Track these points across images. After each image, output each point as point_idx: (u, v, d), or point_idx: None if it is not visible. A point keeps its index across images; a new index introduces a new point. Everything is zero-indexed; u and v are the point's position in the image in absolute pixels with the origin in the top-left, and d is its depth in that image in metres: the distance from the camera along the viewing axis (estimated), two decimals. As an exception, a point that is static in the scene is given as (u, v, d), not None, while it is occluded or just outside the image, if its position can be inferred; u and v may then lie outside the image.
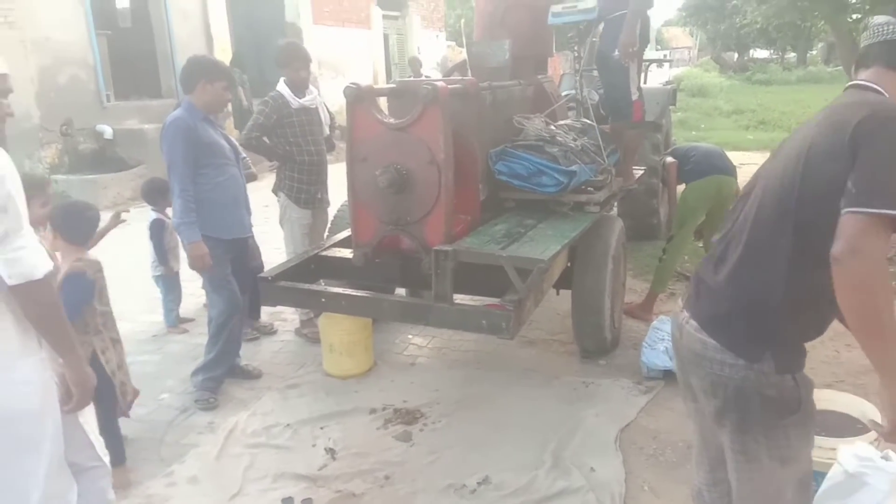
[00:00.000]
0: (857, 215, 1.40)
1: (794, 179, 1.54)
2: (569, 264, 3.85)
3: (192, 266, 3.46)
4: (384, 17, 16.00)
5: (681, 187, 4.85)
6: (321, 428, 3.33)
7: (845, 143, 1.46)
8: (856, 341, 3.81)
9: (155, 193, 4.32)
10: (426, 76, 6.17)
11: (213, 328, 3.60)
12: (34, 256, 1.71)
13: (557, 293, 4.10)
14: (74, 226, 2.70)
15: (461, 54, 4.98)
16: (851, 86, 1.68)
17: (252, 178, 4.51)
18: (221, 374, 3.67)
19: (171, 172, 3.36)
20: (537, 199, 3.83)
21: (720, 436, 1.77)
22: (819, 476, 2.09)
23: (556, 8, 4.16)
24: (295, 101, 4.18)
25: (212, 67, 3.47)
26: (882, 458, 1.89)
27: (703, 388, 1.74)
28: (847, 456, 1.94)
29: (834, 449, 2.11)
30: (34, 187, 2.82)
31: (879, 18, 1.66)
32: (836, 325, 4.61)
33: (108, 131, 9.17)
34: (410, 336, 4.43)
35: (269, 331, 4.51)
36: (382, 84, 13.99)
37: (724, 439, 1.75)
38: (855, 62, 1.71)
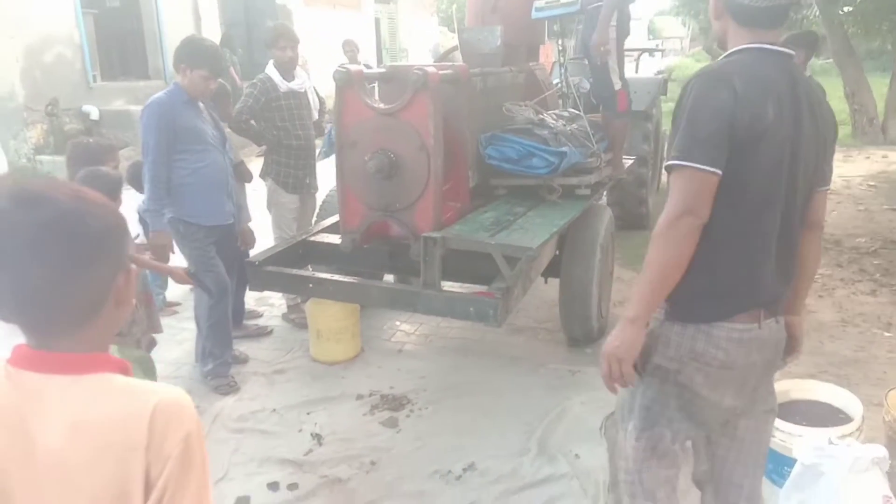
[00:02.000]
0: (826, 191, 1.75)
1: (815, 172, 1.67)
2: (557, 252, 3.85)
3: (154, 254, 3.42)
4: (375, 0, 15.86)
5: None
6: (307, 413, 3.33)
7: (834, 135, 1.70)
8: (838, 333, 3.86)
9: (140, 178, 4.27)
10: (363, 63, 6.19)
11: (205, 312, 3.54)
12: None
13: (546, 281, 4.11)
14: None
15: (453, 40, 4.94)
16: (782, 53, 1.62)
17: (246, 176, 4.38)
18: (229, 355, 3.65)
19: (145, 156, 3.30)
20: (527, 187, 3.83)
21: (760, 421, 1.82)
22: (785, 460, 2.14)
23: (539, 2, 4.16)
24: (283, 85, 4.14)
25: (195, 54, 3.34)
26: (831, 444, 1.92)
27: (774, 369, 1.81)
28: (802, 449, 1.97)
29: (801, 436, 2.13)
30: (105, 152, 3.32)
31: None
32: (819, 316, 4.65)
33: (94, 112, 9.05)
34: (398, 322, 4.43)
35: (256, 315, 4.49)
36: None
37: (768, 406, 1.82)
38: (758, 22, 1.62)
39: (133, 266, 1.04)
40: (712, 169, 1.52)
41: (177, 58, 3.36)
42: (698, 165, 1.52)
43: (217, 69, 3.41)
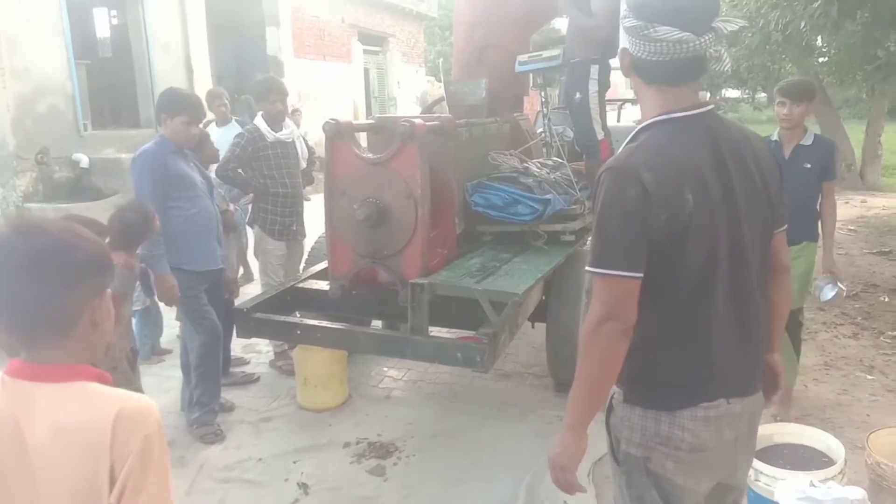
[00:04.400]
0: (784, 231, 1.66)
1: (766, 222, 1.59)
2: (544, 297, 3.89)
3: (161, 298, 3.45)
4: (365, 51, 16.21)
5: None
6: (294, 462, 3.30)
7: (778, 174, 1.62)
8: (822, 376, 3.88)
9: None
10: (235, 120, 5.71)
11: (196, 360, 3.53)
12: None
13: (533, 326, 4.13)
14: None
15: (440, 89, 5.08)
16: (712, 112, 1.56)
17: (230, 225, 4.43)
18: (216, 404, 3.63)
19: None
20: (513, 233, 3.89)
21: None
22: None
23: (522, 57, 4.32)
24: (270, 135, 4.22)
25: (173, 102, 3.42)
26: (812, 486, 1.93)
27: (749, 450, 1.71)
28: (784, 492, 1.99)
29: (785, 479, 2.15)
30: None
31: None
32: (802, 360, 4.65)
33: (84, 160, 9.11)
34: (386, 368, 4.42)
35: (243, 362, 4.48)
36: (362, 118, 14.14)
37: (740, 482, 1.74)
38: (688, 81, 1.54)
39: (108, 291, 1.19)
40: (630, 274, 1.44)
41: (157, 110, 3.45)
42: (616, 272, 1.45)
43: (197, 114, 3.46)
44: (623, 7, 1.53)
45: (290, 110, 10.63)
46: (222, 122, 5.54)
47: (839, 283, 3.66)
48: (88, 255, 1.15)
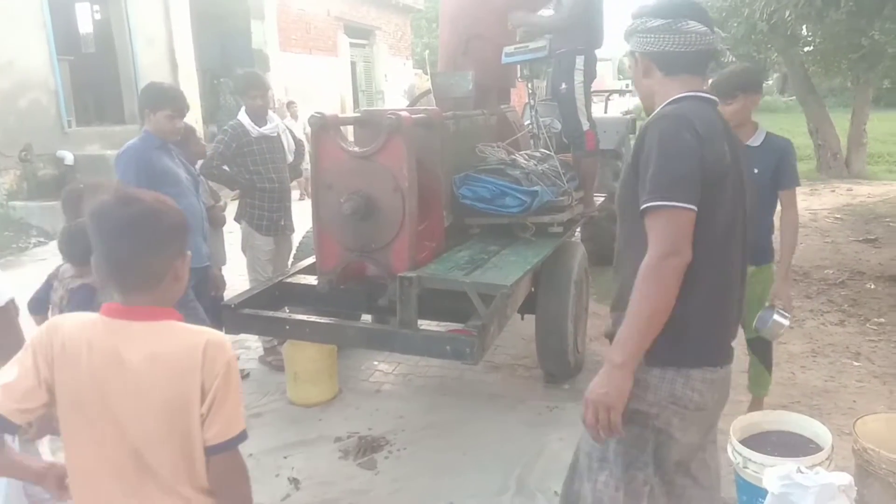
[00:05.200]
0: None
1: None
2: (532, 289, 3.90)
3: None
4: (351, 44, 16.12)
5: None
6: (284, 457, 3.29)
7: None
8: (809, 364, 3.92)
9: None
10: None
11: None
12: None
13: (522, 318, 4.14)
14: (75, 246, 2.82)
15: (428, 82, 5.06)
16: (713, 100, 1.77)
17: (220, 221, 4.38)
18: None
19: None
20: (501, 226, 3.89)
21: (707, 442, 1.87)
22: (758, 491, 2.16)
23: (508, 48, 4.31)
24: (254, 130, 4.19)
25: (156, 96, 3.38)
26: (799, 473, 1.96)
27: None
28: (771, 479, 2.01)
29: (773, 466, 2.17)
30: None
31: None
32: (790, 347, 4.67)
33: (68, 157, 9.03)
34: (376, 362, 4.42)
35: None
36: (350, 112, 14.08)
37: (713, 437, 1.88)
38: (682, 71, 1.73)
39: (189, 253, 1.44)
40: (690, 206, 1.53)
41: (140, 105, 3.43)
42: (678, 204, 1.53)
43: (179, 108, 3.41)
44: (633, 14, 1.74)
45: (285, 103, 10.53)
46: None
47: (781, 312, 3.01)
48: (176, 220, 1.39)
